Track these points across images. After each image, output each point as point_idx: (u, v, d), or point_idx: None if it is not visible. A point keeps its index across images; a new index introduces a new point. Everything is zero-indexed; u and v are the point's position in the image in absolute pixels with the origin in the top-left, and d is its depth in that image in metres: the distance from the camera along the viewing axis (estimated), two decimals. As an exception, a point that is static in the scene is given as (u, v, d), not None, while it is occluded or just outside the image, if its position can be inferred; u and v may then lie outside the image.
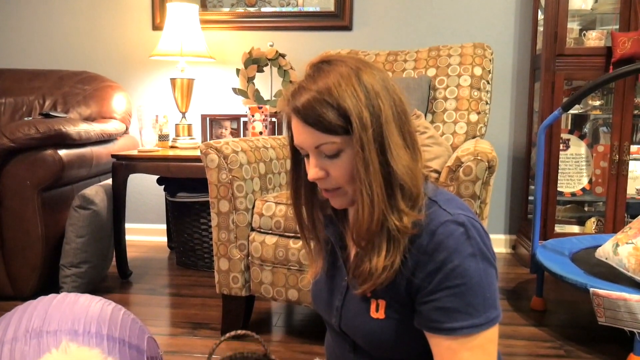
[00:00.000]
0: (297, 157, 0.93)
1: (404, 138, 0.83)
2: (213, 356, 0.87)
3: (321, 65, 0.83)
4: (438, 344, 0.81)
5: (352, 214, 0.86)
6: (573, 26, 2.70)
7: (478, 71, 2.22)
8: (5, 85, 2.88)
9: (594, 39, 2.58)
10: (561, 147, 2.63)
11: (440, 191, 0.88)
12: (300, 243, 1.73)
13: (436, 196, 0.86)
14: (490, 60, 2.26)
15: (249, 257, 1.83)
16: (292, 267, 1.73)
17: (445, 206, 0.83)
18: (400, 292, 0.84)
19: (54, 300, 1.08)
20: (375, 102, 0.80)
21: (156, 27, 3.05)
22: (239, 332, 0.86)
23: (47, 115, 2.46)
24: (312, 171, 0.84)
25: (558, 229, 2.64)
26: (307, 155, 0.86)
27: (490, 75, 2.24)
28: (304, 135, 0.83)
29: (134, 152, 2.48)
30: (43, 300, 1.09)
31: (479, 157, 1.47)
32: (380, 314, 0.86)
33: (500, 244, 3.01)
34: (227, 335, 0.87)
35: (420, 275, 0.81)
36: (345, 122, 0.79)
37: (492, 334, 0.80)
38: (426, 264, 0.80)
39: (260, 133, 2.42)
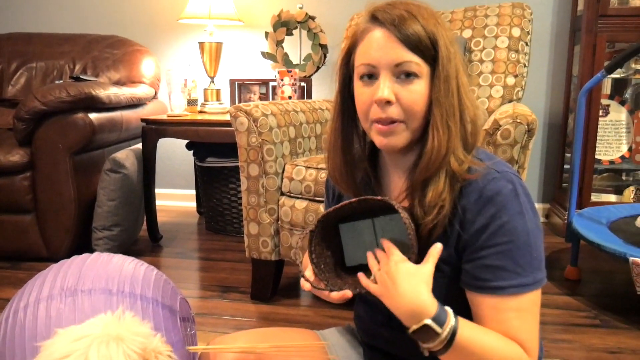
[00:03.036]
0: (344, 105, 0.88)
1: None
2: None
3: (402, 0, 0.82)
4: (481, 303, 0.78)
5: (425, 148, 0.81)
6: (618, -15, 2.56)
7: (516, 32, 2.12)
8: (36, 50, 2.89)
9: (640, -2, 2.45)
10: (600, 113, 2.53)
11: (482, 150, 0.86)
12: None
13: (480, 155, 0.83)
14: (529, 21, 2.16)
15: (279, 222, 1.81)
16: (322, 232, 1.72)
17: (492, 164, 0.81)
18: (450, 252, 0.81)
19: (88, 259, 1.08)
20: (455, 46, 0.81)
21: (184, -11, 3.01)
22: (377, 197, 0.81)
23: (77, 79, 2.47)
24: (386, 91, 0.78)
25: (594, 197, 2.56)
26: (370, 76, 0.80)
27: (529, 36, 2.14)
28: (385, 50, 0.78)
29: (163, 117, 2.47)
30: (77, 259, 1.09)
31: (518, 120, 1.41)
32: None
33: (532, 212, 2.94)
34: (362, 198, 0.82)
35: (469, 232, 0.79)
36: (432, 46, 0.78)
37: (536, 296, 0.78)
38: (474, 220, 0.78)
39: (290, 97, 2.38)
